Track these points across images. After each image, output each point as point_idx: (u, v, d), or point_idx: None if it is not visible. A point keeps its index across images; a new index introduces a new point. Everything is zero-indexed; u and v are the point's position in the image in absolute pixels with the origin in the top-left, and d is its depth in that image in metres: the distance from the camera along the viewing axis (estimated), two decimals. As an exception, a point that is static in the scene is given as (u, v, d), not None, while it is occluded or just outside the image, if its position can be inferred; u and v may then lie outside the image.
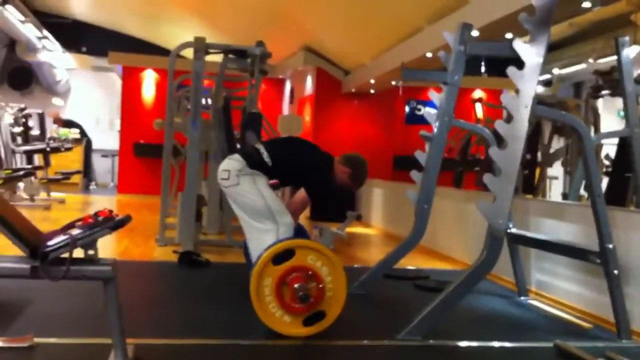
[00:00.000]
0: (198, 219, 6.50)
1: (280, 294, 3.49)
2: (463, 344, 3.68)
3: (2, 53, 14.90)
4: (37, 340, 3.12)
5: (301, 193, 4.15)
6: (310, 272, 3.50)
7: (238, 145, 6.59)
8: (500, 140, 4.56)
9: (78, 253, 2.62)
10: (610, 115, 11.47)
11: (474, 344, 3.71)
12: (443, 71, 4.77)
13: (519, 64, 3.77)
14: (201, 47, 6.50)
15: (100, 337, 3.11)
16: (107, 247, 6.22)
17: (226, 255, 6.32)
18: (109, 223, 2.71)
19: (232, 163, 4.03)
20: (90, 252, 2.69)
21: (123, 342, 2.75)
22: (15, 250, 2.59)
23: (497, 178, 3.68)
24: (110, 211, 2.79)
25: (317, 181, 4.10)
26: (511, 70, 3.76)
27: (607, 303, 3.93)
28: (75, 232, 2.66)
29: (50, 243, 2.59)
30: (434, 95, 4.86)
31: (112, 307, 2.69)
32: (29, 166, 10.51)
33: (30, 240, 2.60)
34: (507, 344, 3.73)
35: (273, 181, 4.10)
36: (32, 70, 15.43)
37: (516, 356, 3.59)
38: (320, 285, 3.50)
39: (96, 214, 2.77)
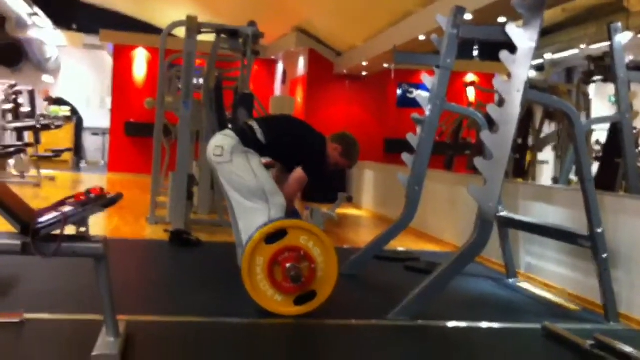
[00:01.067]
0: (189, 198, 6.50)
1: (272, 273, 3.51)
2: (451, 324, 3.71)
3: (-9, 29, 14.77)
4: (27, 316, 3.13)
5: (296, 174, 4.04)
6: (302, 252, 3.51)
7: (230, 126, 6.58)
8: (492, 124, 4.58)
9: (69, 230, 2.62)
10: (602, 101, 11.52)
11: (463, 324, 3.74)
12: (435, 54, 4.77)
13: (512, 48, 3.77)
14: (193, 26, 6.46)
15: (91, 313, 3.13)
16: (98, 225, 6.22)
17: (217, 234, 6.33)
18: (101, 200, 2.71)
19: (225, 139, 3.99)
20: (82, 229, 2.69)
21: (114, 319, 2.76)
22: (7, 228, 2.59)
23: (488, 161, 3.70)
24: (102, 189, 2.79)
25: (314, 160, 4.06)
26: (504, 54, 3.76)
27: (595, 286, 3.97)
28: (67, 209, 2.65)
29: (41, 220, 2.58)
30: (426, 79, 4.85)
31: (103, 284, 2.69)
32: (20, 143, 10.45)
33: (21, 217, 2.59)
34: (495, 325, 3.76)
35: (265, 160, 4.09)
36: (22, 47, 15.30)
37: (504, 337, 3.62)
38: (312, 266, 3.52)
39: (88, 191, 2.76)
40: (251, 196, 3.88)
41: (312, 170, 4.03)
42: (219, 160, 3.95)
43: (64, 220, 2.56)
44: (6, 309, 3.20)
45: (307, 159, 4.04)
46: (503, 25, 3.86)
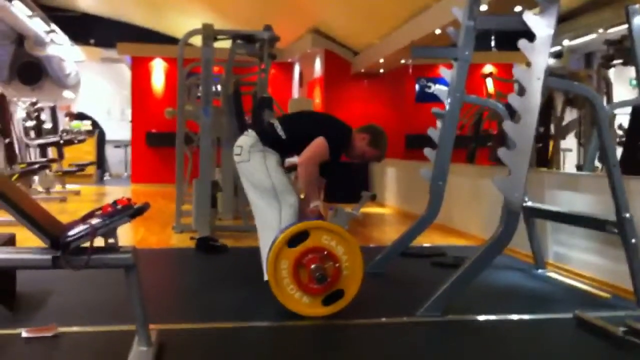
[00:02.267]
0: (213, 205, 6.54)
1: (297, 276, 3.52)
2: (482, 317, 3.70)
3: (11, 48, 14.95)
4: (61, 329, 3.17)
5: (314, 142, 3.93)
6: (325, 252, 3.52)
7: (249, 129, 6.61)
8: (513, 114, 4.55)
9: (98, 242, 2.65)
10: (622, 85, 11.39)
11: (493, 317, 3.72)
12: (453, 47, 4.75)
13: (530, 36, 3.75)
14: (209, 33, 6.50)
15: (123, 324, 3.16)
16: (125, 236, 6.28)
17: (242, 240, 6.35)
18: (128, 211, 2.73)
19: (245, 139, 4.06)
20: (111, 240, 2.72)
21: (146, 328, 2.79)
22: (37, 242, 2.63)
23: (512, 152, 3.67)
24: (129, 199, 2.82)
25: (329, 136, 3.92)
26: (522, 42, 3.74)
27: (625, 272, 3.93)
28: (95, 221, 2.68)
29: (70, 233, 2.62)
30: (444, 72, 4.83)
31: (134, 293, 2.72)
32: (44, 159, 10.58)
33: (50, 231, 2.62)
34: (525, 317, 3.74)
35: (291, 161, 4.08)
36: (42, 64, 15.48)
37: (536, 328, 3.59)
38: (337, 265, 3.52)
39: (115, 203, 2.79)
40: (265, 195, 3.94)
41: (330, 140, 3.90)
42: (238, 159, 4.04)
43: (92, 232, 2.59)
44: (40, 323, 3.24)
45: (329, 139, 3.92)
46: (520, 14, 3.84)
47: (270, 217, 3.91)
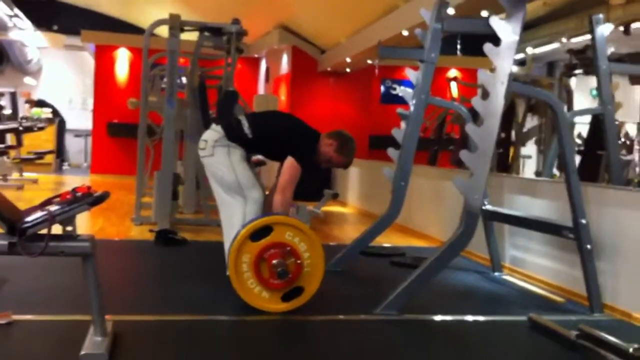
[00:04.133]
0: (174, 197, 6.48)
1: (258, 270, 3.51)
2: (438, 317, 3.74)
3: (-29, 32, 14.61)
4: (15, 317, 3.12)
5: (287, 163, 3.91)
6: (288, 248, 3.52)
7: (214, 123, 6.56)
8: (476, 117, 4.61)
9: (56, 230, 2.61)
10: (582, 94, 11.62)
11: (449, 317, 3.76)
12: (420, 49, 4.79)
13: (496, 41, 3.80)
14: (176, 24, 6.43)
15: (79, 313, 3.12)
16: (83, 225, 6.19)
17: (203, 233, 6.32)
18: (88, 199, 2.69)
19: (210, 133, 4.04)
20: (69, 228, 2.67)
21: (102, 318, 2.75)
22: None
23: (474, 154, 3.72)
24: (89, 187, 2.78)
25: (303, 151, 3.92)
26: (488, 46, 3.79)
27: (580, 277, 4.00)
28: (54, 208, 2.64)
29: (28, 219, 2.57)
30: (410, 73, 4.87)
31: (91, 283, 2.69)
32: (2, 145, 10.37)
33: (7, 216, 2.57)
34: (481, 318, 3.79)
35: (257, 157, 4.07)
36: (3, 49, 15.16)
37: (490, 329, 3.65)
38: (299, 261, 3.52)
39: (74, 190, 2.75)
40: (229, 190, 3.93)
41: (302, 159, 3.88)
42: (202, 153, 4.03)
43: (50, 219, 2.55)
44: (-7, 311, 3.18)
45: (295, 150, 3.90)
46: (487, 18, 3.89)
47: (235, 211, 3.89)
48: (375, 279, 4.86)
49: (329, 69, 11.84)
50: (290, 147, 3.93)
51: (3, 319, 3.08)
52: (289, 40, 11.95)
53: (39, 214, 2.62)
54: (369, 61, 10.98)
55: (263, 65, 14.21)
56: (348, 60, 10.71)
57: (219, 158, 3.96)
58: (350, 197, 10.02)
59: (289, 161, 3.88)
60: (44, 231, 2.57)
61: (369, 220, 7.44)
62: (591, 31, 4.80)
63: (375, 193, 8.71)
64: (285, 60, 12.44)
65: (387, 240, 6.25)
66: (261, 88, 14.22)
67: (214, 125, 4.13)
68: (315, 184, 7.22)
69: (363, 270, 5.06)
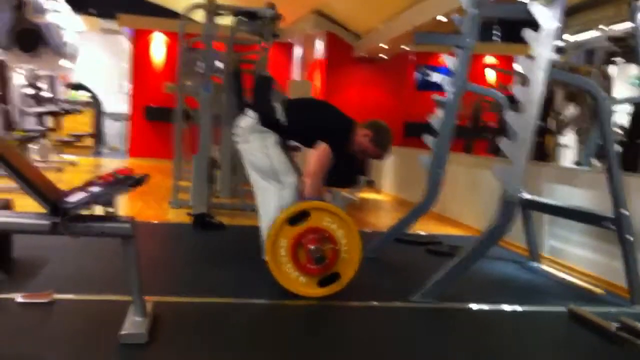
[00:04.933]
0: (211, 181, 6.53)
1: (295, 255, 3.52)
2: (475, 306, 3.71)
3: (10, 15, 14.79)
4: (56, 296, 3.17)
5: (318, 147, 3.84)
6: (326, 234, 3.52)
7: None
8: (515, 105, 4.54)
9: (97, 211, 2.64)
10: (622, 84, 11.40)
11: (486, 307, 3.73)
12: (456, 34, 4.72)
13: (535, 27, 3.73)
14: (212, 8, 6.45)
15: (119, 294, 3.16)
16: (122, 208, 6.25)
17: (239, 218, 6.35)
18: (129, 180, 2.73)
19: (245, 120, 4.04)
20: (110, 209, 2.71)
21: (141, 298, 2.79)
22: (36, 208, 2.62)
23: (513, 142, 3.67)
24: (130, 169, 2.81)
25: (336, 137, 3.87)
26: (528, 33, 3.72)
27: (620, 269, 3.94)
28: (95, 189, 2.67)
29: (70, 199, 2.61)
30: (447, 59, 4.81)
31: (131, 264, 2.72)
32: (42, 128, 10.53)
33: (50, 197, 2.61)
34: (518, 308, 3.75)
35: (292, 144, 4.06)
36: (40, 32, 15.33)
37: (528, 319, 3.61)
38: (336, 248, 3.52)
39: (115, 172, 2.78)
40: (265, 176, 3.93)
41: (334, 146, 3.82)
42: (237, 140, 4.04)
43: (92, 200, 2.58)
44: (36, 290, 3.24)
45: (328, 137, 3.84)
46: (526, 3, 3.82)
47: (271, 197, 3.89)
48: (411, 267, 4.84)
49: (364, 54, 11.78)
50: (324, 135, 3.89)
51: (45, 297, 3.13)
52: (323, 25, 11.91)
53: (81, 194, 2.65)
54: (405, 47, 10.90)
55: (297, 50, 14.19)
56: (383, 46, 10.64)
57: (254, 144, 3.96)
58: (385, 184, 9.98)
59: (320, 146, 3.81)
60: (86, 212, 2.61)
61: (404, 208, 7.41)
62: (632, 19, 4.69)
63: (410, 180, 8.67)
64: (319, 45, 12.40)
65: (422, 228, 6.22)
66: (295, 73, 14.21)
67: (248, 112, 4.13)
68: (350, 171, 7.20)
69: (399, 258, 5.04)
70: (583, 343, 3.21)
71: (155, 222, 5.93)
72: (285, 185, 3.91)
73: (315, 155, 3.81)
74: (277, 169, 3.91)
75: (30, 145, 10.08)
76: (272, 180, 3.92)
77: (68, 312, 3.08)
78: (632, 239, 3.81)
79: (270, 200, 3.90)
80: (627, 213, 3.80)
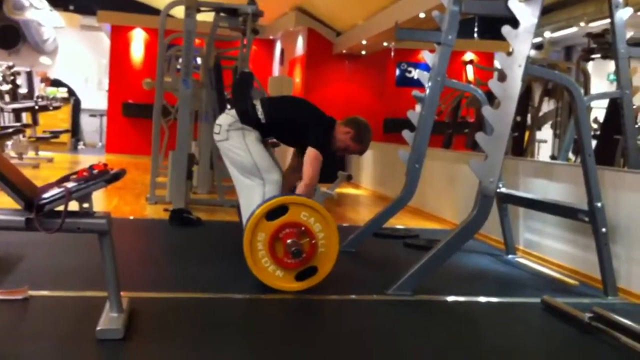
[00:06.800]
0: (189, 177, 6.51)
1: (273, 249, 3.53)
2: (451, 298, 3.74)
3: (-11, 11, 14.68)
4: (32, 292, 3.15)
5: (309, 152, 3.86)
6: (303, 228, 3.53)
7: (228, 106, 6.57)
8: (492, 100, 4.59)
9: (73, 207, 2.63)
10: (600, 80, 11.53)
11: (462, 298, 3.77)
12: (437, 31, 4.76)
13: (514, 23, 3.77)
14: (192, 4, 6.42)
15: (95, 290, 3.15)
16: (98, 204, 6.21)
17: (217, 213, 6.35)
18: (105, 176, 2.71)
19: (225, 118, 4.05)
20: (85, 205, 2.69)
21: (118, 294, 2.77)
22: (8, 206, 2.60)
23: (489, 137, 3.70)
24: (105, 164, 2.80)
25: (318, 137, 3.89)
26: (506, 29, 3.75)
27: (594, 261, 3.99)
28: (71, 184, 2.66)
29: (45, 195, 2.59)
30: (427, 56, 4.85)
31: (107, 259, 2.70)
32: (18, 124, 10.44)
33: (25, 193, 2.60)
34: (494, 299, 3.79)
35: (272, 140, 4.07)
36: (20, 28, 15.21)
37: (503, 310, 3.65)
38: (313, 241, 3.53)
39: (91, 168, 2.77)
40: (247, 173, 3.93)
41: (319, 146, 3.84)
42: (217, 138, 4.03)
43: (67, 195, 2.57)
44: (11, 286, 3.22)
45: (310, 137, 3.88)
46: (505, 0, 3.85)
47: (254, 194, 3.88)
48: (388, 260, 4.87)
49: (344, 51, 11.80)
50: (305, 134, 3.93)
51: (19, 294, 3.11)
52: (304, 22, 11.91)
53: (56, 190, 2.64)
54: (385, 44, 10.93)
55: (278, 47, 14.18)
56: (364, 42, 10.66)
57: (234, 142, 3.96)
58: (364, 179, 10.02)
59: (311, 153, 3.83)
60: (61, 208, 2.60)
61: (383, 202, 7.44)
62: (610, 15, 4.74)
63: (388, 176, 8.71)
64: (300, 42, 12.40)
65: (400, 222, 6.26)
66: (276, 70, 14.20)
67: (227, 109, 4.14)
68: (330, 167, 7.22)
69: (376, 252, 5.07)
70: (557, 333, 3.26)
71: (132, 218, 5.91)
72: (268, 182, 3.91)
73: (309, 163, 3.83)
74: (259, 165, 3.91)
75: (6, 142, 9.98)
76: (254, 177, 3.92)
77: (44, 309, 3.06)
78: (605, 231, 3.86)
79: (254, 198, 3.89)
80: (600, 206, 3.85)
